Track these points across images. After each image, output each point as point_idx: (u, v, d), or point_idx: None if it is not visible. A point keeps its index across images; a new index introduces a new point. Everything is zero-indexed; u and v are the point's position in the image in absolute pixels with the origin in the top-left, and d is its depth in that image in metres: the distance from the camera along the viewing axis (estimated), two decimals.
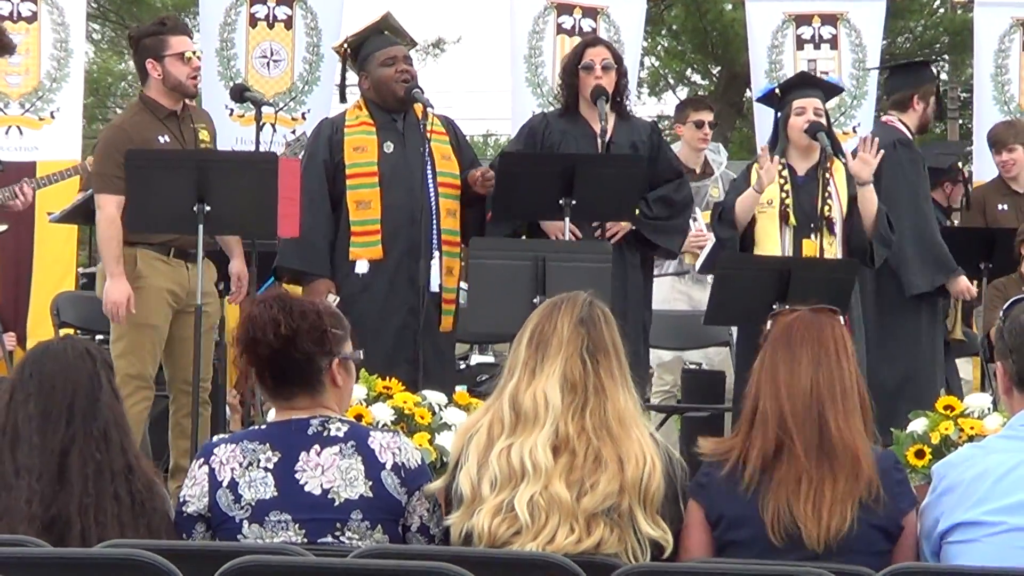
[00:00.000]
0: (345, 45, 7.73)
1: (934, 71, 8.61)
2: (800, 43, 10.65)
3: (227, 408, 8.02)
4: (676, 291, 9.38)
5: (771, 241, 7.58)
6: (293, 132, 9.52)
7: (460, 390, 6.41)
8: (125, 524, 3.96)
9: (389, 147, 7.45)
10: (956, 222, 9.55)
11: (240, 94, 7.84)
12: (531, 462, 3.96)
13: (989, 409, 6.06)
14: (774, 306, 6.80)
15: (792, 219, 7.53)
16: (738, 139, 21.49)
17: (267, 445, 4.13)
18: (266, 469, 4.10)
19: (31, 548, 3.66)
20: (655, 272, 8.32)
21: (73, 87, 9.82)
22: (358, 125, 7.50)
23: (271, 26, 9.98)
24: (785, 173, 7.61)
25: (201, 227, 6.72)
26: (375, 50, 7.55)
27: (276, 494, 4.08)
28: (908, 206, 7.82)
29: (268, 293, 4.61)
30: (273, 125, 7.42)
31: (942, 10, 22.62)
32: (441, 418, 5.96)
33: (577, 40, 9.61)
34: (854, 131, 10.33)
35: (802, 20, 10.67)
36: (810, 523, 3.96)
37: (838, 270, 7.32)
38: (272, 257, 7.49)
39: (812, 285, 6.91)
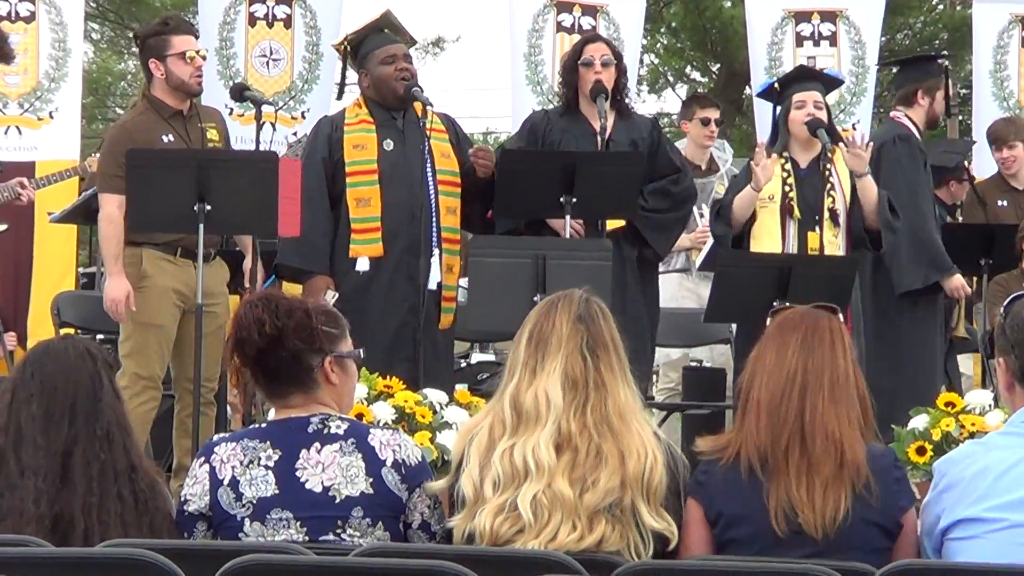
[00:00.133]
0: (345, 43, 7.73)
1: (942, 65, 8.52)
2: (799, 40, 10.67)
3: (228, 407, 8.02)
4: (684, 288, 9.37)
5: (769, 237, 7.58)
6: (295, 133, 9.53)
7: (461, 388, 6.41)
8: (128, 523, 3.96)
9: (389, 145, 7.45)
10: (961, 219, 9.55)
11: (240, 93, 7.84)
12: (534, 461, 3.96)
13: (990, 405, 6.07)
14: (774, 303, 6.80)
15: (796, 212, 7.54)
16: (738, 136, 21.47)
17: (268, 443, 4.13)
18: (267, 467, 4.10)
19: (33, 548, 3.66)
20: (662, 268, 8.32)
21: (72, 87, 9.83)
22: (358, 123, 7.50)
23: (270, 25, 9.99)
24: (788, 167, 7.62)
25: (202, 227, 6.73)
26: (375, 48, 7.55)
27: (277, 492, 4.08)
28: (904, 202, 7.81)
29: (256, 293, 4.63)
30: (273, 124, 7.43)
31: (941, 6, 22.61)
32: (442, 417, 5.96)
33: (577, 38, 9.62)
34: (853, 128, 10.34)
35: (801, 17, 10.68)
36: (806, 509, 3.97)
37: (839, 267, 7.32)
38: (273, 256, 7.50)
39: (812, 282, 6.92)
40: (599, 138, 7.55)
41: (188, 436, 7.02)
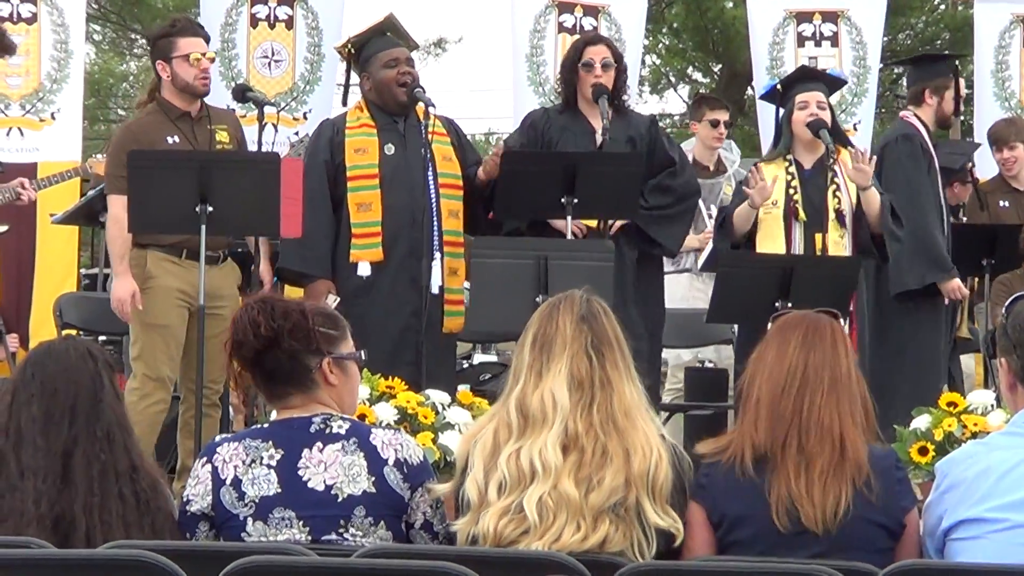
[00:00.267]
0: (348, 46, 7.73)
1: (950, 64, 8.47)
2: (801, 40, 10.66)
3: (231, 408, 8.02)
4: (695, 289, 9.36)
5: (773, 241, 7.56)
6: (296, 133, 9.53)
7: (463, 389, 6.41)
8: (130, 524, 3.96)
9: (390, 149, 7.45)
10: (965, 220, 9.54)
11: (242, 94, 7.84)
12: (541, 462, 3.96)
13: (992, 406, 6.07)
14: (776, 304, 6.80)
15: (802, 215, 7.53)
16: (740, 137, 21.43)
17: (270, 443, 4.14)
18: (269, 466, 4.11)
19: (35, 549, 3.66)
20: (671, 268, 8.30)
21: (73, 88, 9.83)
22: (359, 127, 7.50)
23: (272, 26, 9.99)
24: (792, 169, 7.62)
25: (204, 228, 6.73)
26: (377, 51, 7.55)
27: (280, 491, 4.08)
28: (903, 201, 7.80)
29: (254, 295, 4.63)
30: (275, 125, 7.42)
31: (943, 7, 22.60)
32: (444, 418, 5.96)
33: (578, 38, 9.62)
34: (855, 128, 10.34)
35: (803, 17, 10.68)
36: (806, 503, 3.98)
37: (841, 267, 7.31)
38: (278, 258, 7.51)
39: (815, 282, 6.92)
40: (601, 137, 7.56)
41: (192, 437, 7.02)
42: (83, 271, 10.65)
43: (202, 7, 10.22)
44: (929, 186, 8.13)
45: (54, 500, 3.94)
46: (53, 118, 9.74)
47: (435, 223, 7.37)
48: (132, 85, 27.73)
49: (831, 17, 10.65)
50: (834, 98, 8.76)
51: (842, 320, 4.40)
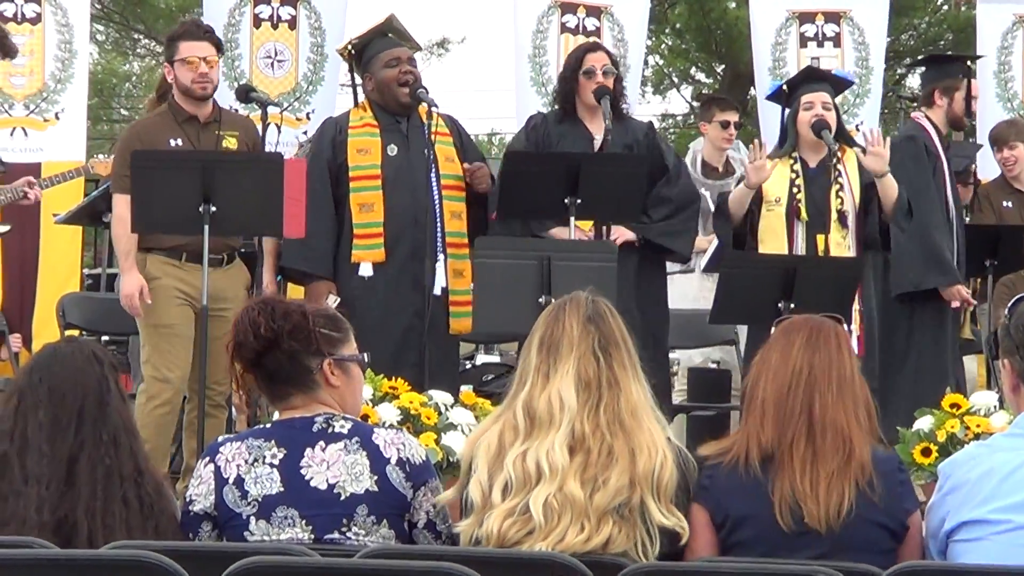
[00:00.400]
0: (349, 47, 7.74)
1: (961, 65, 8.45)
2: (803, 41, 10.66)
3: (232, 409, 8.03)
4: (705, 289, 9.34)
5: (775, 239, 7.56)
6: (304, 132, 9.52)
7: (466, 390, 6.41)
8: (133, 527, 3.95)
9: (393, 150, 7.45)
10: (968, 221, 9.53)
11: (246, 94, 7.85)
12: (547, 464, 3.96)
13: (995, 407, 6.07)
14: (779, 304, 6.79)
15: (804, 214, 7.53)
16: (743, 137, 21.44)
17: (272, 442, 4.14)
18: (272, 465, 4.11)
19: (37, 550, 3.66)
20: (679, 269, 8.29)
21: (77, 88, 9.84)
22: (362, 127, 7.50)
23: (275, 26, 9.99)
24: (797, 168, 7.63)
25: (207, 228, 6.73)
26: (378, 52, 7.56)
27: (282, 489, 4.09)
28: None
29: (255, 297, 4.64)
30: (278, 125, 7.42)
31: (946, 7, 22.58)
32: (447, 418, 5.96)
33: (581, 39, 9.62)
34: (857, 129, 10.32)
35: (806, 18, 10.67)
36: (810, 501, 3.98)
37: (844, 268, 7.31)
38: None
39: (818, 283, 6.91)
40: (603, 140, 7.56)
41: (196, 437, 7.03)
42: (86, 271, 10.65)
43: (205, 7, 10.23)
44: (934, 188, 8.12)
45: (56, 505, 3.93)
46: (57, 118, 9.74)
47: (438, 224, 7.37)
48: (135, 85, 27.77)
49: (834, 18, 10.65)
50: (837, 99, 8.76)
51: (846, 323, 4.41)
